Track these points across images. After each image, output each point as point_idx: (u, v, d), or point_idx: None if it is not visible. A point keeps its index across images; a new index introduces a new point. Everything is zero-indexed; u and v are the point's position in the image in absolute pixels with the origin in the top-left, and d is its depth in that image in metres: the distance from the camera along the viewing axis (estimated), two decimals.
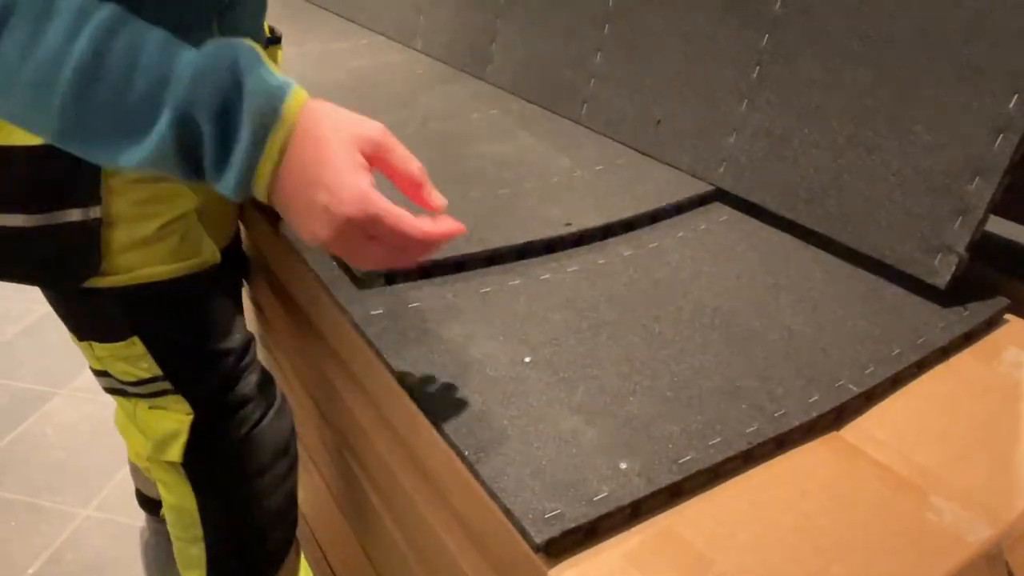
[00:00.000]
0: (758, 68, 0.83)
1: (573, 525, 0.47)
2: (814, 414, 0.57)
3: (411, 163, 0.49)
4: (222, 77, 0.45)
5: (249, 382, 0.76)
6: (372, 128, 0.48)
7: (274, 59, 0.85)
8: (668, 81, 0.93)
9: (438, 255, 0.71)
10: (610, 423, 0.56)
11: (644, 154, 0.96)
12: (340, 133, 0.47)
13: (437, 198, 0.50)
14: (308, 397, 0.92)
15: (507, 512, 0.49)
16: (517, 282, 0.73)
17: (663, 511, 0.51)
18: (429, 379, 0.60)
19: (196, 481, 0.77)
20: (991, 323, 0.71)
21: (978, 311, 0.70)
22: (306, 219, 0.47)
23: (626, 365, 0.62)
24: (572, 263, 0.76)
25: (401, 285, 0.71)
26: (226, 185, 0.47)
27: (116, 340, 0.70)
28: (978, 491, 0.53)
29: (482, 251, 0.74)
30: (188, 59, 0.45)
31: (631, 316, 0.68)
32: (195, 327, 0.72)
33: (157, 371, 0.71)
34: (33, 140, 0.59)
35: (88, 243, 0.63)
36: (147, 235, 0.66)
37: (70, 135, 0.46)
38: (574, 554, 0.47)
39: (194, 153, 0.46)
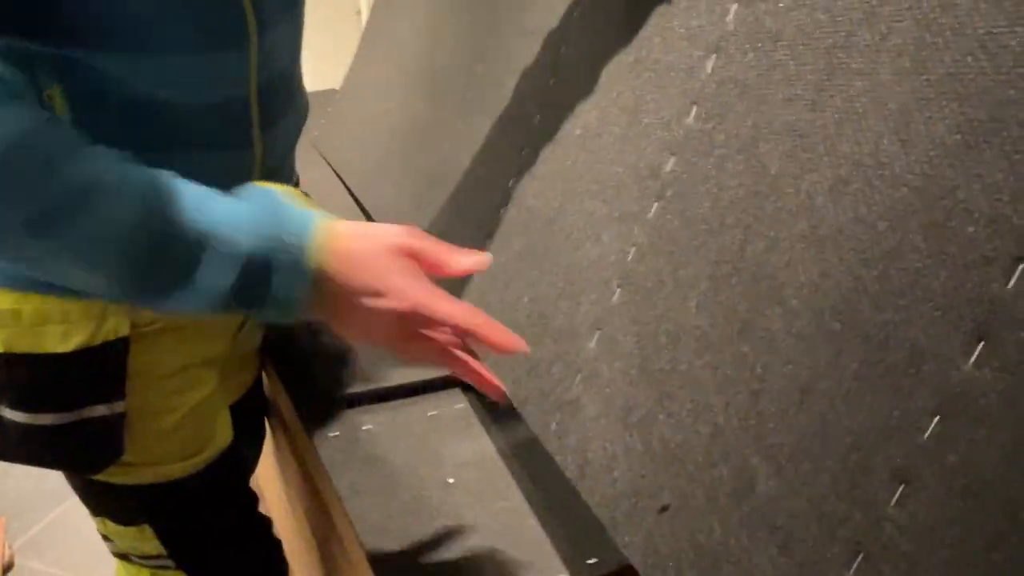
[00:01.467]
0: None
1: None
2: None
3: (445, 248, 0.52)
4: (253, 222, 0.49)
5: (257, 559, 0.80)
6: (401, 231, 0.52)
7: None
8: None
9: (395, 380, 0.79)
10: None
11: None
12: (385, 239, 0.51)
13: (476, 255, 0.53)
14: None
15: None
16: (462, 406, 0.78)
17: None
18: (368, 498, 0.66)
19: None
20: None
21: None
22: (357, 329, 0.52)
23: None
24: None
25: (356, 409, 0.78)
26: (272, 315, 0.51)
27: (128, 525, 0.72)
28: None
29: (436, 378, 0.80)
30: (223, 209, 0.50)
31: None
32: (207, 516, 0.75)
33: (164, 551, 0.74)
34: (65, 346, 0.61)
35: (110, 436, 0.65)
36: (165, 428, 0.68)
37: (135, 290, 0.51)
38: None
39: (245, 299, 0.50)
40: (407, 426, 0.74)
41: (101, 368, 0.63)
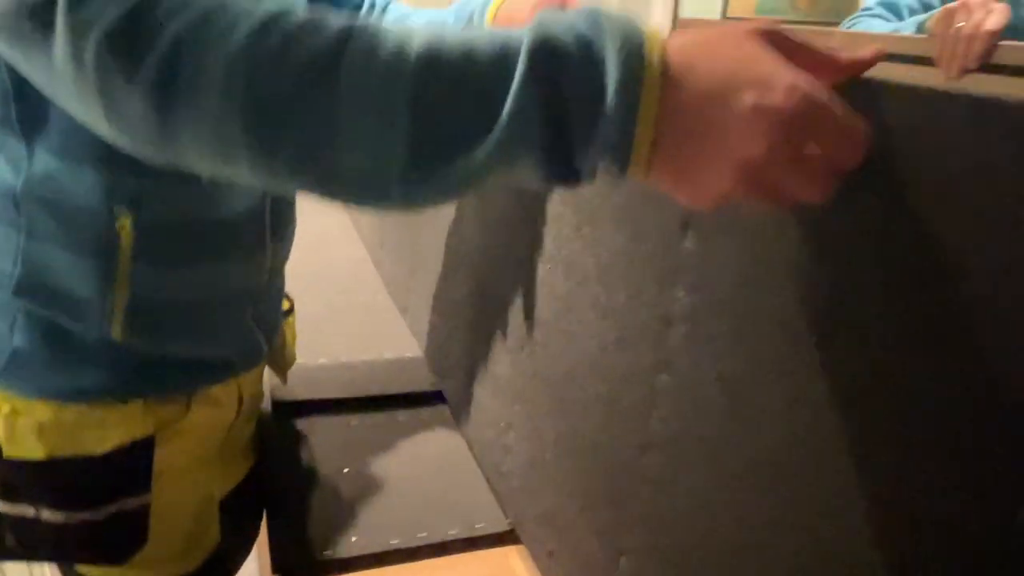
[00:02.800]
0: None
1: None
2: None
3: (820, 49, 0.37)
4: (567, 15, 0.36)
5: None
6: (760, 22, 0.37)
7: (291, 331, 0.89)
8: None
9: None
10: None
11: None
12: (733, 29, 0.36)
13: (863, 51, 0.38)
14: None
15: None
16: None
17: None
18: None
19: None
20: None
21: None
22: (727, 142, 0.34)
23: None
24: None
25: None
26: (603, 133, 0.35)
27: None
28: None
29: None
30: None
31: None
32: None
33: None
34: (103, 448, 0.66)
35: (137, 526, 0.70)
36: (178, 523, 0.73)
37: (427, 142, 0.36)
38: None
39: (558, 103, 0.35)
40: None
41: (133, 464, 0.68)
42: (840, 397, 0.38)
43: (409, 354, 1.15)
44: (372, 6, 0.86)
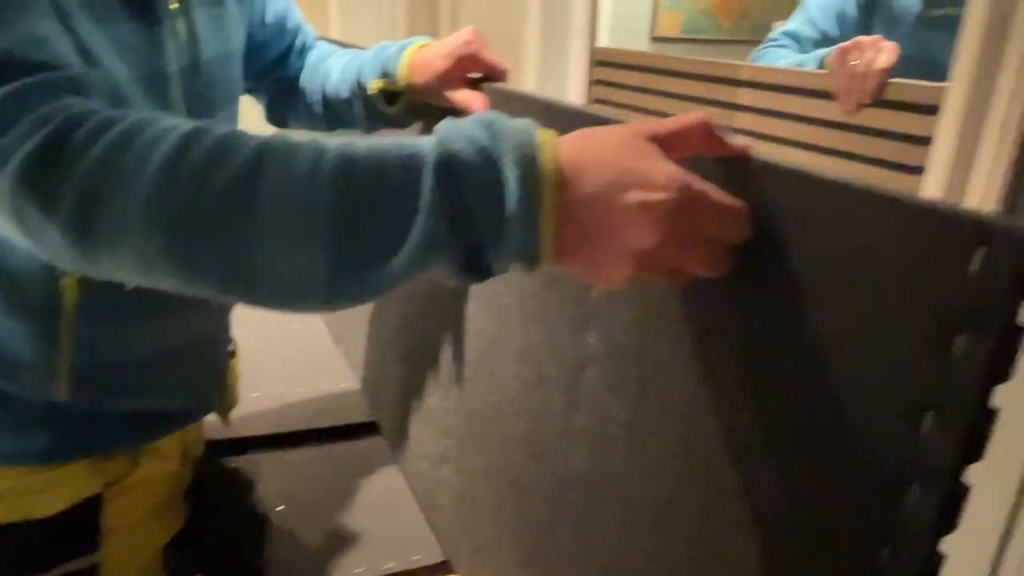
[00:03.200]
0: None
1: None
2: None
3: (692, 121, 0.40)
4: (466, 126, 0.39)
5: None
6: (642, 122, 0.40)
7: (234, 374, 0.88)
8: None
9: None
10: None
11: None
12: (616, 132, 0.40)
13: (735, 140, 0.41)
14: None
15: None
16: None
17: None
18: None
19: None
20: None
21: None
22: (620, 237, 0.37)
23: None
24: None
25: None
26: (510, 241, 0.38)
27: None
28: None
29: None
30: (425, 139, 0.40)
31: None
32: None
33: None
34: (48, 511, 0.65)
35: None
36: None
37: (346, 257, 0.38)
38: None
39: (464, 214, 0.38)
40: None
41: (80, 524, 0.67)
42: (728, 443, 0.41)
43: (344, 386, 1.16)
44: (298, 48, 0.88)
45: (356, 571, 0.81)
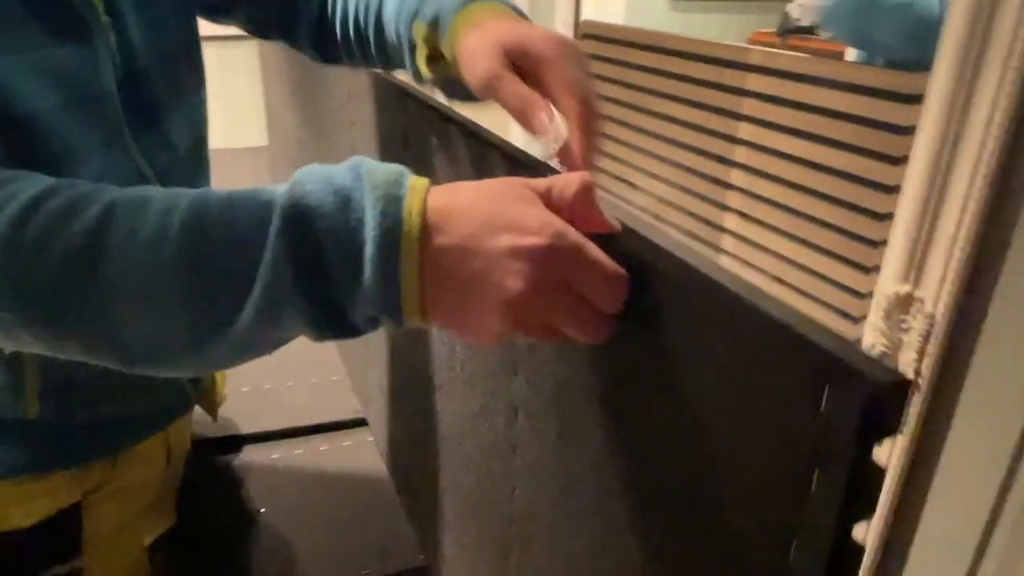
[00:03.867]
0: None
1: None
2: None
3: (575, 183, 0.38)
4: (326, 172, 0.37)
5: None
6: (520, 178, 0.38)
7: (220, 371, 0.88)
8: None
9: None
10: None
11: None
12: (493, 181, 0.38)
13: (612, 219, 0.38)
14: None
15: None
16: None
17: None
18: None
19: None
20: None
21: None
22: (488, 284, 0.34)
23: None
24: None
25: None
26: (367, 291, 0.35)
27: None
28: None
29: None
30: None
31: None
32: None
33: None
34: (28, 521, 0.66)
35: None
36: None
37: (200, 313, 0.37)
38: None
39: (313, 261, 0.35)
40: None
41: (60, 533, 0.69)
42: (633, 506, 0.40)
43: (336, 378, 1.16)
44: None
45: None
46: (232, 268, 0.36)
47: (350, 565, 0.84)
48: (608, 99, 1.17)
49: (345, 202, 0.35)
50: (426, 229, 0.35)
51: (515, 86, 0.48)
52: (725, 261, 0.98)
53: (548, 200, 0.37)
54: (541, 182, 0.38)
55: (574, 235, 0.35)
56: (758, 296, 0.29)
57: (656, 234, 0.36)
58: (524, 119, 0.47)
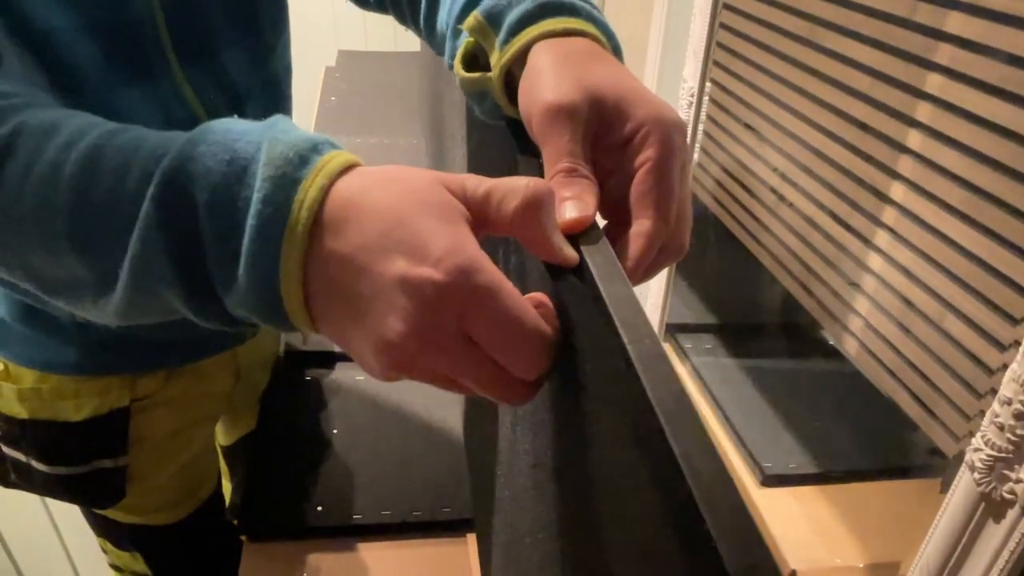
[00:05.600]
0: None
1: None
2: None
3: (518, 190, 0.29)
4: (234, 130, 0.31)
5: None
6: (463, 175, 0.30)
7: None
8: None
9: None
10: None
11: None
12: (416, 174, 0.29)
13: (570, 249, 0.30)
14: None
15: None
16: None
17: None
18: None
19: None
20: None
21: None
22: (370, 314, 0.28)
23: None
24: None
25: None
26: (241, 288, 0.29)
27: (122, 550, 0.85)
28: None
29: None
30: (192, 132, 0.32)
31: None
32: (189, 550, 0.87)
33: (148, 572, 0.86)
34: (78, 416, 0.70)
35: (114, 483, 0.75)
36: (159, 482, 0.79)
37: (91, 263, 0.33)
38: None
39: (188, 239, 0.30)
40: None
41: (107, 432, 0.73)
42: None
43: None
44: None
45: (383, 512, 0.82)
46: (110, 226, 0.32)
47: (403, 503, 0.82)
48: (752, 23, 0.99)
49: (238, 174, 0.29)
50: (318, 226, 0.28)
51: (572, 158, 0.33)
52: (882, 239, 0.81)
53: (485, 212, 0.29)
54: (481, 187, 0.29)
55: (486, 275, 0.26)
56: (681, 429, 0.19)
57: (618, 283, 0.26)
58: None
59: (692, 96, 1.00)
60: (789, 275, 0.99)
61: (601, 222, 0.32)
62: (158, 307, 0.33)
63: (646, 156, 0.32)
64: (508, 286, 0.27)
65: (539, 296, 0.29)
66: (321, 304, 0.29)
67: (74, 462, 0.74)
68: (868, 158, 0.84)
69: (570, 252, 0.29)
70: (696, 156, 1.15)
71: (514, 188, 0.28)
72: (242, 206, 0.29)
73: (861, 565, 0.76)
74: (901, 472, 0.84)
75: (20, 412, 0.71)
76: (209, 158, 0.29)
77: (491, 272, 0.27)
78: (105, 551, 0.89)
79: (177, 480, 0.82)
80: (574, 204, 0.30)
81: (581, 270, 0.27)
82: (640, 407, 0.21)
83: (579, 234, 0.29)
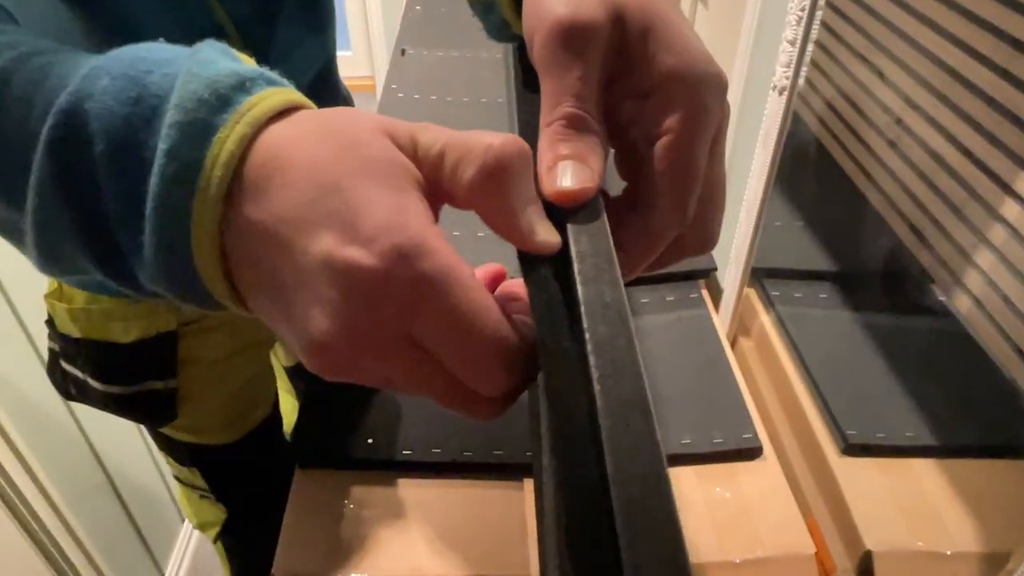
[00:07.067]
0: None
1: None
2: None
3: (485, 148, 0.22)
4: (147, 58, 0.25)
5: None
6: (423, 125, 0.23)
7: None
8: None
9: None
10: None
11: None
12: (361, 122, 0.23)
13: (547, 231, 0.23)
14: None
15: None
16: None
17: None
18: None
19: (228, 551, 0.96)
20: None
21: None
22: (295, 304, 0.23)
23: None
24: None
25: None
26: (147, 260, 0.24)
27: (181, 464, 0.88)
28: None
29: None
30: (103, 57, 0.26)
31: None
32: (245, 467, 0.88)
33: (207, 487, 0.89)
34: (127, 337, 0.71)
35: (166, 403, 0.77)
36: (212, 404, 0.80)
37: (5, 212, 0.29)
38: None
39: (86, 194, 0.25)
40: None
41: (155, 354, 0.74)
42: None
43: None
44: None
45: (434, 450, 0.79)
46: (14, 170, 0.26)
47: (455, 442, 0.80)
48: None
49: (146, 118, 0.23)
50: (238, 185, 0.22)
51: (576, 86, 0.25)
52: (1011, 210, 0.68)
53: (438, 179, 0.22)
54: (436, 143, 0.22)
55: (433, 260, 0.20)
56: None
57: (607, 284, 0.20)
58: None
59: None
60: (902, 218, 0.87)
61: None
62: (72, 267, 0.28)
63: (669, 125, 0.25)
64: (464, 275, 0.21)
65: (513, 285, 0.23)
66: (247, 283, 0.24)
67: (126, 381, 0.75)
68: (1020, 84, 0.70)
69: (545, 235, 0.22)
70: (804, 72, 1.01)
71: (471, 151, 0.21)
72: (148, 157, 0.23)
73: (948, 552, 0.68)
74: (1010, 451, 0.74)
75: (73, 331, 0.72)
76: (111, 95, 0.23)
77: (441, 256, 0.20)
78: (169, 464, 0.92)
79: (230, 403, 0.82)
80: (574, 168, 0.23)
81: (564, 262, 0.21)
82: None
83: (572, 209, 0.23)
